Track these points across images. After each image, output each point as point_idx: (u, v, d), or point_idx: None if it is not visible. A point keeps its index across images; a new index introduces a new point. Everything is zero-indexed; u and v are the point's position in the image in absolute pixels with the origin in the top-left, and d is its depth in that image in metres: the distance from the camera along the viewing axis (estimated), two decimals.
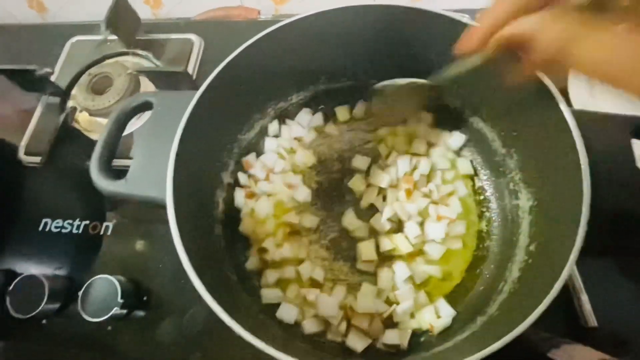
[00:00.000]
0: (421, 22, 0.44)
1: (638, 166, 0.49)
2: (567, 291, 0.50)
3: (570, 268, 0.31)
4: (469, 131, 0.53)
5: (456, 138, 0.53)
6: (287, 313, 0.45)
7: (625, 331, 0.48)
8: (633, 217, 0.35)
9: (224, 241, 0.49)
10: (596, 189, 0.34)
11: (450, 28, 0.43)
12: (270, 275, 0.48)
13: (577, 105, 0.61)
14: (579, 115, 0.35)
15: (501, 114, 0.47)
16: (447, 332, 0.44)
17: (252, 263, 0.49)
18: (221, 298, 0.35)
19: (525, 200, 0.46)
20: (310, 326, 0.45)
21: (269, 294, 0.47)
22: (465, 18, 0.43)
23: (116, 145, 0.42)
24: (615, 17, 0.31)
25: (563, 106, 0.35)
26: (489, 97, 0.47)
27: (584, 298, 0.50)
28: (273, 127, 0.56)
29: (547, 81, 0.37)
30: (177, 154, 0.38)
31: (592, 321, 0.49)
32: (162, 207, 0.39)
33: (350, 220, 0.51)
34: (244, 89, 0.48)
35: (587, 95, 0.61)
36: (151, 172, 0.39)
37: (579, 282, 0.51)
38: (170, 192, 0.36)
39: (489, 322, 0.39)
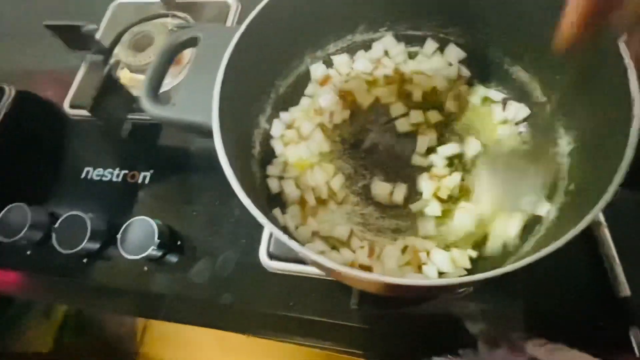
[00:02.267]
0: None
1: None
2: (601, 261, 0.50)
3: (609, 196, 0.31)
4: (509, 81, 0.52)
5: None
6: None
7: None
8: None
9: (259, 179, 0.50)
10: None
11: None
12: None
13: None
14: None
15: (545, 56, 0.46)
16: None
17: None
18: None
19: (565, 145, 0.45)
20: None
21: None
22: None
23: (163, 75, 0.44)
24: None
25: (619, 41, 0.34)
26: (533, 41, 0.46)
27: (618, 268, 0.49)
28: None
29: None
30: (222, 82, 0.39)
31: (625, 290, 0.48)
32: (205, 133, 0.40)
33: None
34: (281, 33, 0.48)
35: None
36: (198, 99, 0.41)
37: (612, 252, 0.50)
38: (216, 114, 0.38)
39: (522, 255, 0.39)
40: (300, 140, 0.52)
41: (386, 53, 0.56)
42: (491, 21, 0.49)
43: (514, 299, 0.49)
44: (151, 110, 0.42)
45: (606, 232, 0.51)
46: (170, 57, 0.44)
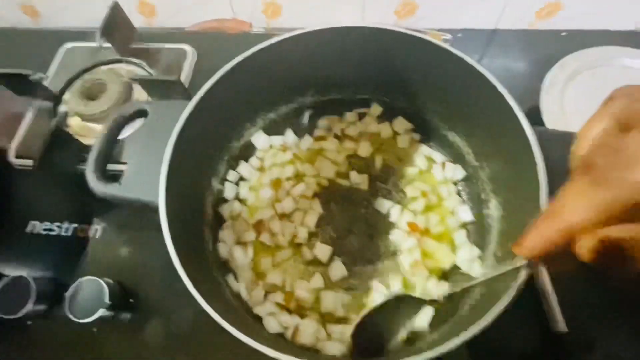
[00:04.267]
0: (405, 45, 0.47)
1: None
2: (537, 297, 0.52)
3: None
4: (446, 144, 0.57)
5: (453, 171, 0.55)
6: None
7: (595, 334, 0.50)
8: None
9: (212, 244, 0.51)
10: None
11: (429, 51, 0.46)
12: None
13: (549, 122, 0.65)
14: (542, 133, 0.39)
15: (472, 129, 0.50)
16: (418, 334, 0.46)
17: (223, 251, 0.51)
18: (211, 300, 0.37)
19: (494, 209, 0.49)
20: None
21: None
22: (442, 39, 0.46)
23: (111, 150, 0.44)
24: None
25: (525, 123, 0.39)
26: (461, 114, 0.51)
27: (554, 304, 0.51)
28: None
29: (511, 101, 0.41)
30: (170, 160, 0.40)
31: (562, 326, 0.50)
32: (154, 210, 0.40)
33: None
34: (235, 101, 0.50)
35: (558, 113, 0.66)
36: (145, 177, 0.41)
37: (548, 288, 0.52)
38: (162, 196, 0.38)
39: (460, 321, 0.42)
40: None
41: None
42: (424, 91, 0.53)
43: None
44: (97, 187, 0.42)
45: (541, 268, 0.51)
46: (117, 132, 0.45)
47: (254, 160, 0.57)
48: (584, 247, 0.24)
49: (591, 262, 0.25)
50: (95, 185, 0.42)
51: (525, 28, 0.87)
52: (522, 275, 0.34)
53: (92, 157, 0.43)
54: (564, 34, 0.81)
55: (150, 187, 0.39)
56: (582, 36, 0.77)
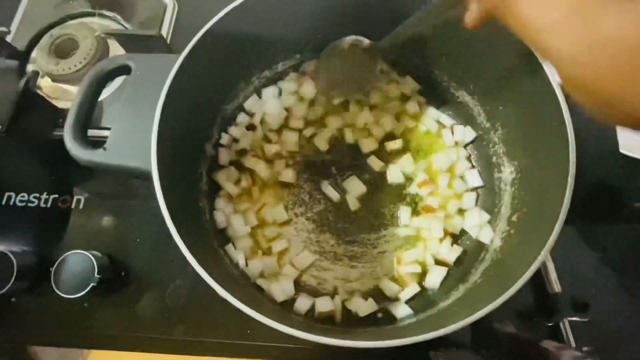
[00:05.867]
0: None
1: (621, 151, 0.51)
2: None
3: (553, 240, 0.33)
4: (455, 105, 0.54)
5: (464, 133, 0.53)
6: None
7: (587, 295, 0.51)
8: (612, 194, 0.37)
9: (209, 214, 0.47)
10: (578, 165, 0.35)
11: None
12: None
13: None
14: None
15: (488, 88, 0.47)
16: (429, 299, 0.45)
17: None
18: (212, 271, 0.34)
19: (507, 173, 0.47)
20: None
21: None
22: None
23: (91, 111, 0.39)
24: None
25: (554, 82, 0.36)
26: (477, 70, 0.47)
27: (550, 265, 0.52)
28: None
29: (539, 56, 0.37)
30: (160, 121, 0.36)
31: (557, 287, 0.51)
32: (143, 177, 0.37)
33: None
34: (227, 56, 0.46)
35: None
36: (132, 141, 0.37)
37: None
38: (154, 161, 0.34)
39: (473, 290, 0.41)
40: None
41: None
42: (436, 46, 0.49)
43: None
44: (78, 154, 0.37)
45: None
46: (97, 90, 0.39)
47: (242, 117, 0.53)
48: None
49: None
50: (77, 152, 0.37)
51: None
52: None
53: (69, 121, 0.38)
54: None
55: (139, 151, 0.35)
56: None
